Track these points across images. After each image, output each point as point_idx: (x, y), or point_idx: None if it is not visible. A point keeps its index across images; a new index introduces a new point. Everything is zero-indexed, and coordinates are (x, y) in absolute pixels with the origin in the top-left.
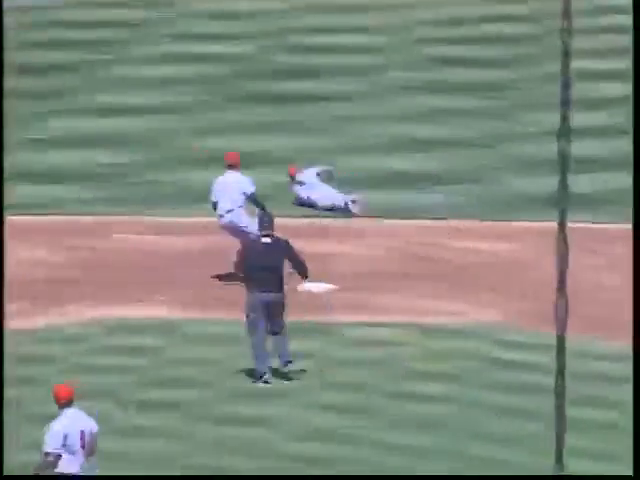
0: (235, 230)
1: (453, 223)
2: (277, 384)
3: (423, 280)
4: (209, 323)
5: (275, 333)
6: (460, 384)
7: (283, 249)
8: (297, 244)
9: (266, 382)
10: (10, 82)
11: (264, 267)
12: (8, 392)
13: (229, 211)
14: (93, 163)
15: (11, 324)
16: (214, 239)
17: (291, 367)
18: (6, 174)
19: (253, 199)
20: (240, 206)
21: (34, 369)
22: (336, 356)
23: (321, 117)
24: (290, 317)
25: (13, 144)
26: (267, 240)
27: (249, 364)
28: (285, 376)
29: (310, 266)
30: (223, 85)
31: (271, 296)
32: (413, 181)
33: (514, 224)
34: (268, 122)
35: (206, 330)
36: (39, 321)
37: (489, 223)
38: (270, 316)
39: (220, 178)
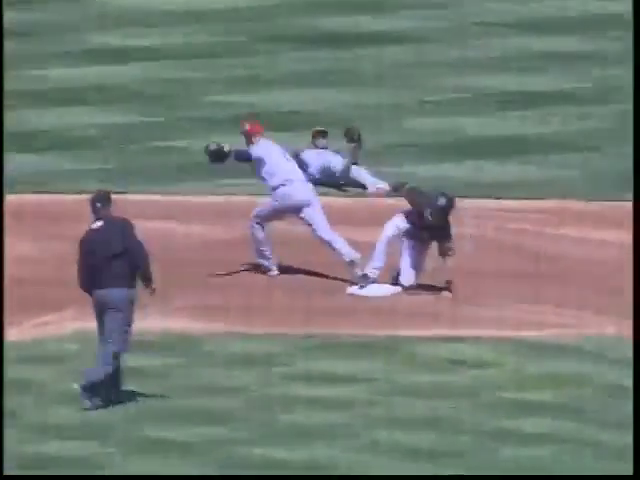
0: None
1: (558, 204)
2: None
3: (518, 280)
4: (236, 339)
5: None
6: (569, 419)
7: (119, 233)
8: (350, 232)
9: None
10: None
11: (98, 258)
12: None
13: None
14: (83, 124)
15: None
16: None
17: (85, 401)
18: None
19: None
20: None
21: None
22: (404, 382)
23: (376, 65)
24: (342, 329)
25: None
26: (99, 224)
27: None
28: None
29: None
30: (251, 23)
31: (111, 293)
32: (502, 149)
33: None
34: (311, 71)
35: (232, 348)
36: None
37: (606, 204)
38: (103, 316)
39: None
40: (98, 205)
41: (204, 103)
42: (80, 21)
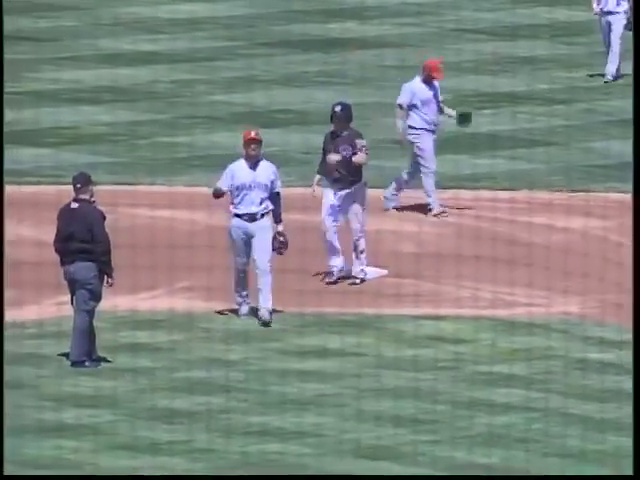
0: None
1: (527, 195)
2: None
3: (493, 264)
4: (236, 317)
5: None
6: (537, 390)
7: (89, 219)
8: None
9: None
10: None
11: (69, 237)
12: None
13: None
14: (94, 122)
15: None
16: None
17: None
18: None
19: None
20: None
21: (23, 371)
22: (389, 356)
23: (361, 67)
24: (331, 308)
25: None
26: (74, 205)
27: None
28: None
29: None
30: (249, 29)
31: (74, 268)
32: (477, 144)
33: (601, 195)
34: (303, 73)
35: (233, 325)
36: (28, 313)
37: (570, 195)
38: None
39: None
40: (78, 186)
41: (205, 102)
42: (94, 28)
